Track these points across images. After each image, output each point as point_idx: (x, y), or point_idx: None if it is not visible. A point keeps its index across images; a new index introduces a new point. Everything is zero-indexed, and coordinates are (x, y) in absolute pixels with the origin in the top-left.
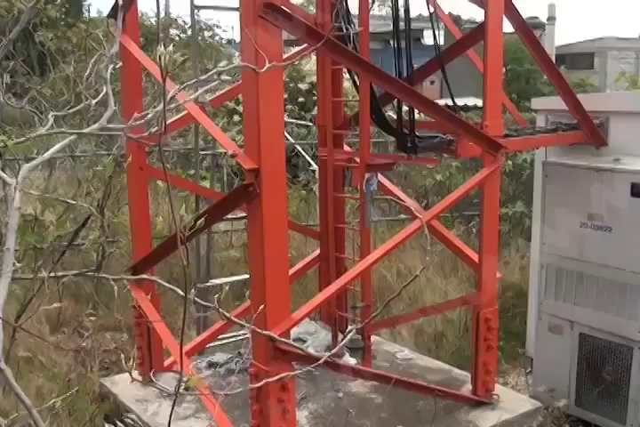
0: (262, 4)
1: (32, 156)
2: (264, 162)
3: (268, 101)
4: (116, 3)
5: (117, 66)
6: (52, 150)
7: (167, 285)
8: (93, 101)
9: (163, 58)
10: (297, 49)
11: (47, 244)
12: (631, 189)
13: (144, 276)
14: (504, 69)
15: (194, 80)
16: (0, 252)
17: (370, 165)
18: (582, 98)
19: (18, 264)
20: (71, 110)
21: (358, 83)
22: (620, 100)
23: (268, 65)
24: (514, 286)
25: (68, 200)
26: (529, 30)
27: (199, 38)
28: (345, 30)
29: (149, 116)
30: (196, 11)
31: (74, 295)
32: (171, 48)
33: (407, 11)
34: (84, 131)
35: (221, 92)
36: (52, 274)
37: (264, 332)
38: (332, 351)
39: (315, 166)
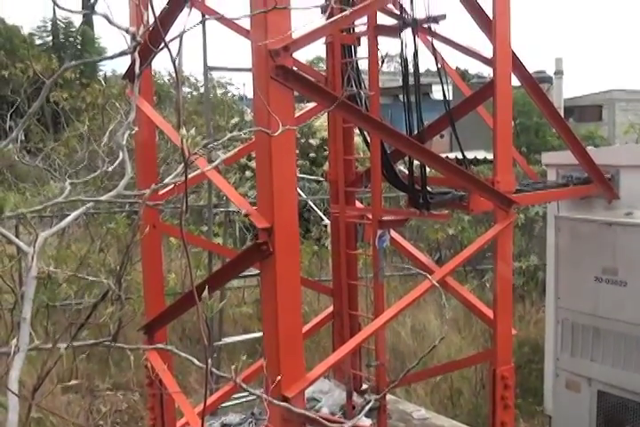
0: (274, 66)
1: (46, 215)
2: (277, 221)
3: (281, 162)
4: (132, 65)
5: (133, 131)
6: (68, 219)
7: (184, 355)
8: (110, 168)
9: (184, 141)
10: (309, 106)
11: (59, 302)
12: None
13: (160, 345)
14: (513, 123)
15: (207, 143)
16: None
17: (382, 221)
18: (592, 152)
19: (36, 341)
20: (87, 178)
21: (369, 139)
22: (630, 154)
23: (281, 128)
24: (529, 341)
25: (87, 277)
26: (536, 85)
27: (211, 95)
28: (356, 88)
29: (166, 187)
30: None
31: (86, 354)
32: (193, 131)
33: (416, 66)
34: (101, 198)
35: (234, 150)
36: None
37: (280, 403)
38: (351, 423)
39: (327, 221)
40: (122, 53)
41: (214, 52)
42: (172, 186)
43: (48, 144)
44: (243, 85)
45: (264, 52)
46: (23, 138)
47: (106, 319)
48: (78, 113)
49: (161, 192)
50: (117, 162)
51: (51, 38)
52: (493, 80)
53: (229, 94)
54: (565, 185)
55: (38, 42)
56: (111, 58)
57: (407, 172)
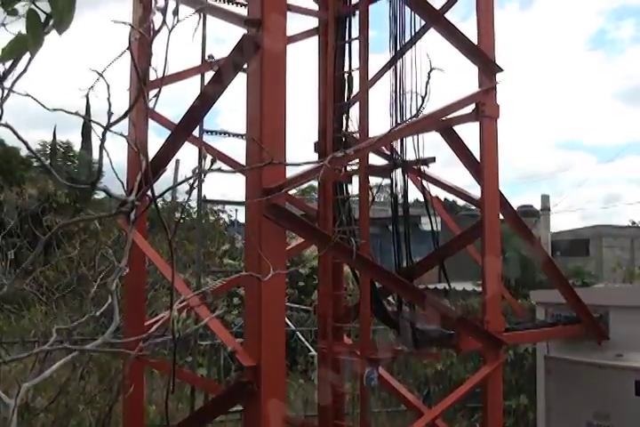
0: (267, 205)
1: (29, 339)
2: (264, 360)
3: (270, 305)
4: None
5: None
6: (54, 367)
7: None
8: (98, 312)
9: (175, 322)
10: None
11: None
12: (635, 387)
13: None
14: (501, 256)
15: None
16: None
17: (371, 359)
18: (581, 292)
19: None
20: (77, 322)
21: (359, 275)
22: (619, 294)
23: (271, 273)
24: None
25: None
26: (522, 225)
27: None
28: (347, 226)
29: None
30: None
31: None
32: (184, 314)
33: (406, 206)
34: (87, 347)
35: (223, 281)
36: None
37: None
38: None
39: (314, 352)
40: (118, 212)
41: (209, 181)
42: (160, 321)
43: (37, 267)
44: (235, 211)
45: (258, 190)
46: (13, 258)
47: None
48: (70, 237)
49: (147, 323)
50: (105, 306)
51: (49, 162)
52: (482, 221)
53: (221, 221)
54: (554, 324)
55: (36, 164)
56: (108, 216)
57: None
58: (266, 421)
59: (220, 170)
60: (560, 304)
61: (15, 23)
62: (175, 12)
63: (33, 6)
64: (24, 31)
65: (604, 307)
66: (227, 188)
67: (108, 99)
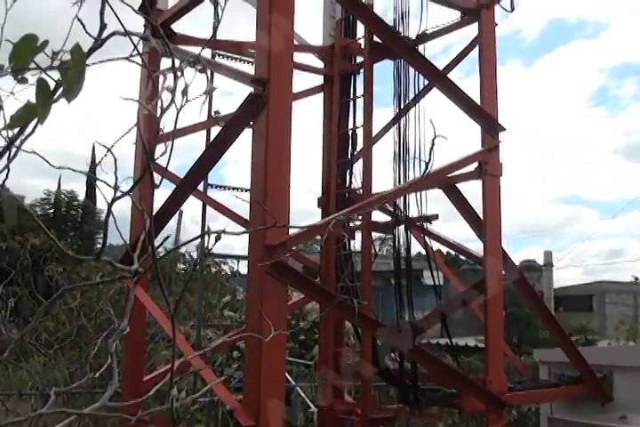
0: (270, 261)
1: (26, 392)
2: (263, 419)
3: (271, 365)
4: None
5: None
6: None
7: None
8: (97, 374)
9: (173, 401)
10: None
11: None
12: None
13: None
14: (504, 313)
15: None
16: None
17: (371, 418)
18: (584, 351)
19: None
20: (74, 385)
21: (360, 331)
22: (623, 354)
23: (273, 333)
24: None
25: None
26: (525, 282)
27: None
28: (349, 281)
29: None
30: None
31: None
32: (183, 394)
33: (408, 253)
34: (84, 412)
35: (223, 338)
36: None
37: None
38: None
39: (313, 408)
40: (121, 277)
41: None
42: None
43: (38, 318)
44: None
45: (261, 247)
46: (13, 306)
47: None
48: (72, 288)
49: (146, 378)
50: (104, 368)
51: (52, 211)
52: (484, 278)
53: (222, 272)
54: (558, 384)
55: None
56: (110, 281)
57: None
58: None
59: (224, 232)
60: (563, 363)
61: (21, 89)
62: (184, 92)
63: (43, 75)
64: (32, 99)
65: (607, 367)
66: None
67: (115, 172)
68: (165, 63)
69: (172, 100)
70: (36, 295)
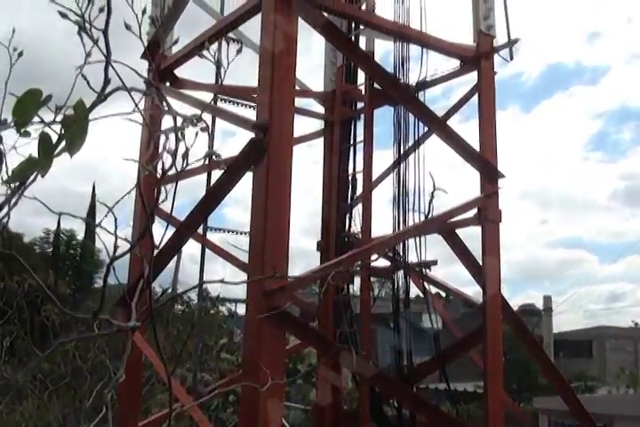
0: (269, 307)
1: None
2: None
3: (267, 411)
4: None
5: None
6: None
7: None
8: (92, 425)
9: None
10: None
11: None
12: None
13: None
14: (503, 358)
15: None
16: None
17: None
18: (584, 399)
19: None
20: None
21: (358, 379)
22: (623, 404)
23: (270, 382)
24: None
25: None
26: (525, 329)
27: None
28: (348, 326)
29: None
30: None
31: None
32: None
33: (407, 299)
34: None
35: (220, 383)
36: None
37: None
38: None
39: None
40: (119, 330)
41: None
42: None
43: (33, 357)
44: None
45: (259, 294)
46: (9, 344)
47: None
48: (67, 328)
49: (141, 424)
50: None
51: (51, 249)
52: (483, 325)
53: (220, 313)
54: None
55: (38, 251)
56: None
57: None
58: None
59: (222, 281)
60: (563, 412)
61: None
62: (185, 156)
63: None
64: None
65: (608, 416)
66: (228, 275)
67: (115, 232)
68: (168, 119)
69: (173, 164)
70: (32, 335)
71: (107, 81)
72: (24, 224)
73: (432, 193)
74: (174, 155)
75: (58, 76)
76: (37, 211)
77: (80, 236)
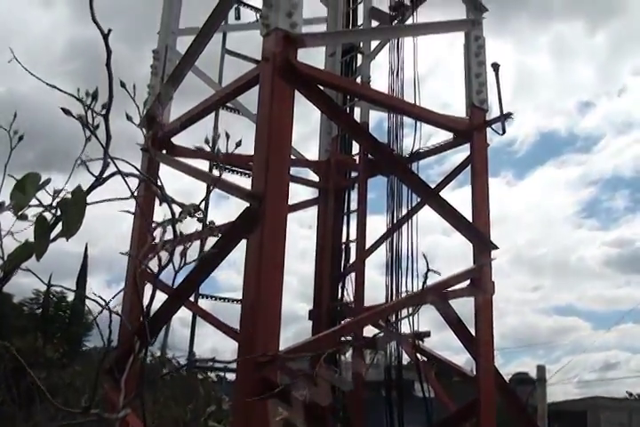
0: (259, 379)
1: None
2: None
3: None
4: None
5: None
6: None
7: None
8: None
9: None
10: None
11: None
12: None
13: None
14: None
15: None
16: None
17: None
18: None
19: None
20: None
21: None
22: None
23: None
24: None
25: None
26: (518, 401)
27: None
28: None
29: None
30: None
31: None
32: None
33: (400, 370)
34: None
35: None
36: None
37: None
38: None
39: None
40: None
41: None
42: None
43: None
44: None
45: (250, 364)
46: None
47: None
48: (54, 393)
49: None
50: None
51: (40, 310)
52: (477, 399)
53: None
54: None
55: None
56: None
57: None
58: None
59: (213, 360)
60: None
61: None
62: (183, 255)
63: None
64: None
65: None
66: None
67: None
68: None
69: (170, 261)
70: (17, 401)
71: (105, 164)
72: (15, 283)
73: (425, 274)
74: (172, 252)
75: (57, 130)
76: (26, 271)
77: (70, 297)
